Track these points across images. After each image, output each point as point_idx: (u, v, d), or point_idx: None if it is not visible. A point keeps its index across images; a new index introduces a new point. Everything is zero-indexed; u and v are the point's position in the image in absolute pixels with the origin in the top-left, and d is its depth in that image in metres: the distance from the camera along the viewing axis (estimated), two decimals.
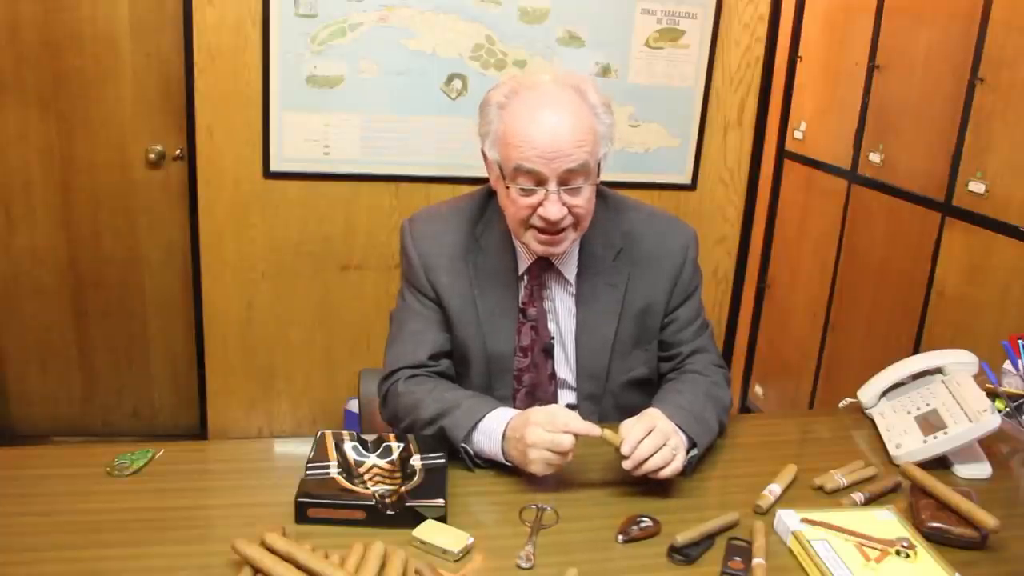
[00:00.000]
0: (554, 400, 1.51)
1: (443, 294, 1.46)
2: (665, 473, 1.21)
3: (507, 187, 1.34)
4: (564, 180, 1.31)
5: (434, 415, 1.33)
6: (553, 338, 1.48)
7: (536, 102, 1.32)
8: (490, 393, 1.46)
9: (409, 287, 1.50)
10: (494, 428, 1.28)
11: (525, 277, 1.47)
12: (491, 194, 1.47)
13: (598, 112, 1.34)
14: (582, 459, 1.40)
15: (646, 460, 1.20)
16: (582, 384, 1.50)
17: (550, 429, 1.21)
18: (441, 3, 2.41)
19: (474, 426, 1.29)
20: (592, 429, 1.22)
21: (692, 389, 1.43)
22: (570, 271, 1.47)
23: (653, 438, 1.21)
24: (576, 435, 1.21)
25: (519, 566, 1.07)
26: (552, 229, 1.34)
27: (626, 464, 1.21)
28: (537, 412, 1.25)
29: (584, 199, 1.34)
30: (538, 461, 1.21)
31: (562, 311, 1.49)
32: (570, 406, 1.52)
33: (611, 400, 1.51)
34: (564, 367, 1.51)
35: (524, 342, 1.47)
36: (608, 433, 1.22)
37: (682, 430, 1.29)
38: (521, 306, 1.47)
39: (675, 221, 1.55)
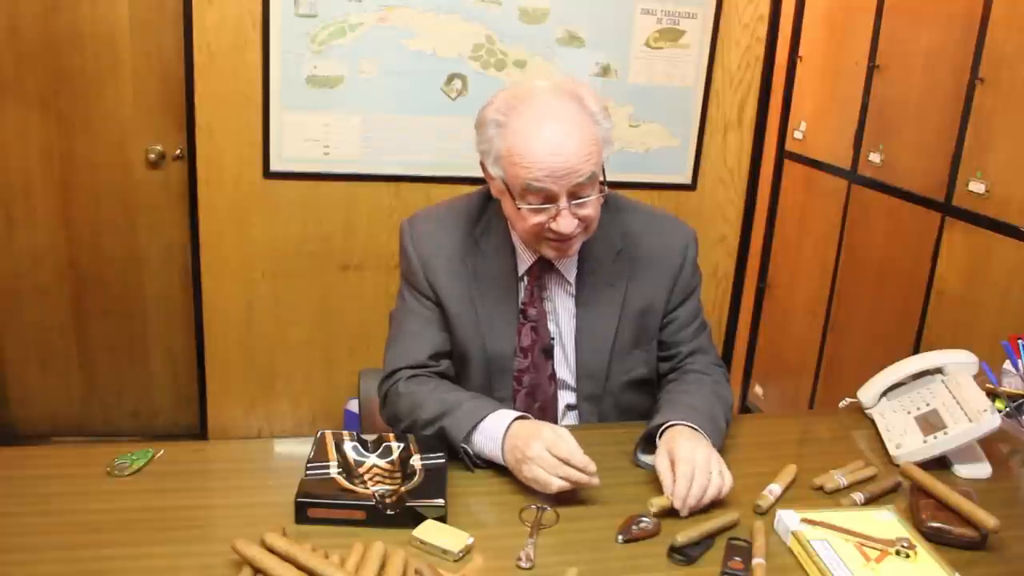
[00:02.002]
0: (554, 401, 1.51)
1: (442, 294, 1.46)
2: (722, 495, 1.21)
3: (517, 205, 1.33)
4: (574, 194, 1.31)
5: (435, 415, 1.33)
6: (553, 339, 1.48)
7: (536, 116, 1.30)
8: (490, 394, 1.46)
9: (408, 287, 1.50)
10: (495, 429, 1.28)
11: (525, 278, 1.47)
12: (490, 195, 1.47)
13: (598, 119, 1.33)
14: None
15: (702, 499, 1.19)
16: (582, 384, 1.50)
17: (554, 452, 1.19)
18: (441, 3, 2.41)
19: (475, 427, 1.29)
20: (591, 481, 1.19)
21: (699, 389, 1.43)
22: (570, 272, 1.47)
23: (699, 479, 1.18)
24: (568, 478, 1.18)
25: (519, 566, 1.07)
26: (564, 239, 1.35)
27: (684, 513, 1.19)
28: (546, 428, 1.24)
29: (593, 208, 1.35)
30: (532, 478, 1.20)
31: (562, 312, 1.49)
32: (569, 407, 1.53)
33: (611, 400, 1.51)
34: (564, 368, 1.51)
35: (524, 343, 1.47)
36: (657, 502, 1.19)
37: (700, 431, 1.29)
38: (521, 307, 1.47)
39: (675, 221, 1.55)
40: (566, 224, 1.31)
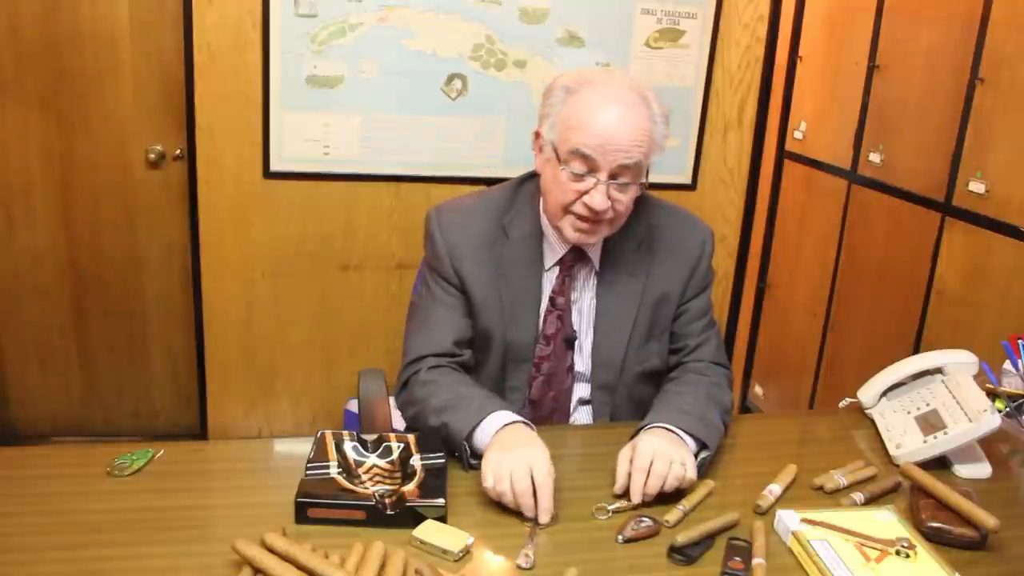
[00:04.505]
0: (569, 393, 1.53)
1: (468, 282, 1.47)
2: (685, 484, 1.23)
3: (560, 168, 1.37)
4: (615, 174, 1.35)
5: (443, 405, 1.33)
6: (576, 332, 1.51)
7: (605, 96, 1.36)
8: (503, 382, 1.49)
9: (433, 275, 1.51)
10: (491, 425, 1.27)
11: (557, 267, 1.50)
12: (520, 186, 1.52)
13: (657, 120, 1.39)
14: (582, 458, 1.40)
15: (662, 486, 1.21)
16: (597, 373, 1.52)
17: (534, 476, 1.17)
18: (441, 3, 2.41)
19: (478, 424, 1.28)
20: (531, 515, 1.17)
21: (694, 391, 1.44)
22: (596, 262, 1.51)
23: (657, 469, 1.21)
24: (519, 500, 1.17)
25: (519, 566, 1.07)
26: (592, 218, 1.38)
27: (638, 501, 1.21)
28: (545, 458, 1.20)
29: (628, 197, 1.39)
30: (496, 467, 1.18)
31: (585, 300, 1.52)
32: (582, 401, 1.56)
33: (624, 392, 1.54)
34: (580, 359, 1.53)
35: (549, 330, 1.50)
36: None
37: (690, 434, 1.30)
38: (552, 295, 1.50)
39: (695, 218, 1.61)
40: (599, 200, 1.35)
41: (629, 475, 1.22)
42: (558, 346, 1.50)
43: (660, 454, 1.22)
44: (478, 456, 1.29)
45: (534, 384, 1.51)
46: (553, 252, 1.50)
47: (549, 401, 1.52)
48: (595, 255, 1.51)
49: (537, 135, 1.44)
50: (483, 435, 1.28)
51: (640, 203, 1.50)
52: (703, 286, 1.56)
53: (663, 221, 1.54)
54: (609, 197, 1.36)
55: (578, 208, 1.38)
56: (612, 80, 1.39)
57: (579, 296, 1.52)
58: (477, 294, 1.47)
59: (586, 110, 1.34)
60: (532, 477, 1.16)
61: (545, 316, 1.50)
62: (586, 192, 1.36)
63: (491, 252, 1.48)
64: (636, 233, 1.51)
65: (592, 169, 1.35)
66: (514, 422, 1.27)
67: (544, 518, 1.15)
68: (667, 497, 1.23)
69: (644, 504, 1.22)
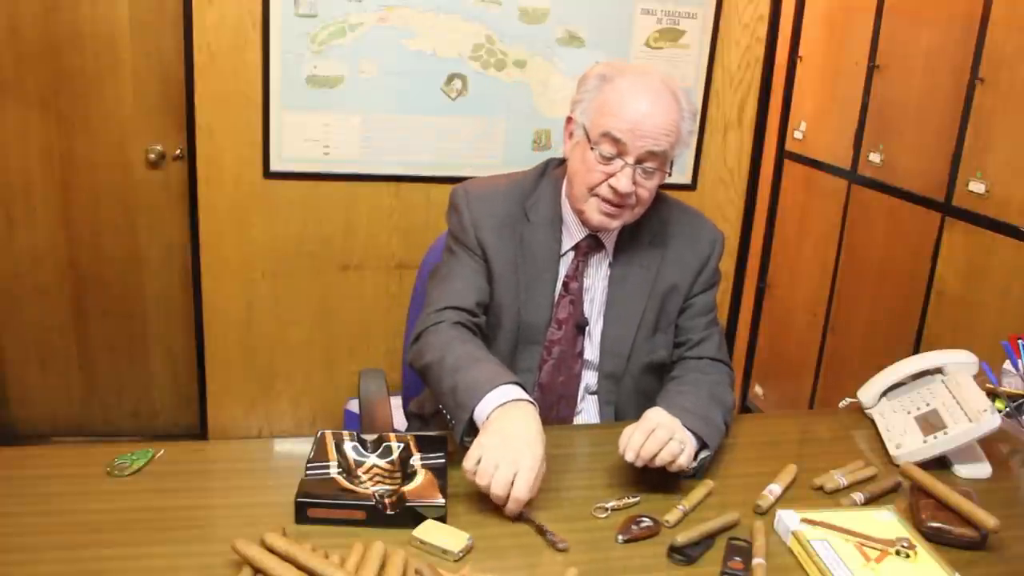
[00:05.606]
0: (577, 379, 1.54)
1: (490, 253, 1.51)
2: (674, 468, 1.23)
3: (590, 150, 1.42)
4: (642, 159, 1.41)
5: (457, 364, 1.31)
6: (587, 318, 1.53)
7: (639, 87, 1.42)
8: (514, 363, 1.51)
9: (458, 243, 1.54)
10: (493, 400, 1.24)
11: (572, 253, 1.53)
12: (544, 172, 1.57)
13: (685, 116, 1.45)
14: (582, 458, 1.40)
15: (655, 456, 1.21)
16: (604, 362, 1.54)
17: (518, 479, 1.15)
18: (441, 3, 2.41)
19: (486, 394, 1.25)
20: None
21: (696, 391, 1.44)
22: (611, 251, 1.55)
23: (657, 434, 1.22)
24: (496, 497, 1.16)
25: (557, 548, 1.10)
26: (616, 201, 1.42)
27: (631, 459, 1.21)
28: (536, 456, 1.17)
29: (652, 184, 1.44)
30: (488, 453, 1.16)
31: (598, 288, 1.55)
32: (589, 391, 1.57)
33: (630, 383, 1.55)
34: (589, 343, 1.55)
35: (561, 315, 1.52)
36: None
37: (692, 432, 1.30)
38: (565, 280, 1.53)
39: (708, 220, 1.65)
40: (624, 183, 1.40)
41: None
42: (569, 331, 1.53)
43: (664, 425, 1.24)
44: (476, 431, 1.25)
45: (544, 368, 1.53)
46: (570, 237, 1.54)
47: (558, 386, 1.54)
48: (610, 244, 1.54)
49: (569, 120, 1.50)
50: (487, 406, 1.24)
51: (655, 200, 1.54)
52: (710, 283, 1.59)
53: (677, 218, 1.59)
54: (634, 182, 1.41)
55: (603, 191, 1.43)
56: (646, 73, 1.45)
57: (592, 283, 1.55)
58: (497, 268, 1.51)
59: (620, 97, 1.40)
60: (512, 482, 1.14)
61: (558, 300, 1.53)
62: (612, 175, 1.41)
63: (512, 233, 1.52)
64: (651, 228, 1.55)
65: (621, 153, 1.40)
66: (517, 399, 1.24)
67: (508, 517, 1.16)
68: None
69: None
